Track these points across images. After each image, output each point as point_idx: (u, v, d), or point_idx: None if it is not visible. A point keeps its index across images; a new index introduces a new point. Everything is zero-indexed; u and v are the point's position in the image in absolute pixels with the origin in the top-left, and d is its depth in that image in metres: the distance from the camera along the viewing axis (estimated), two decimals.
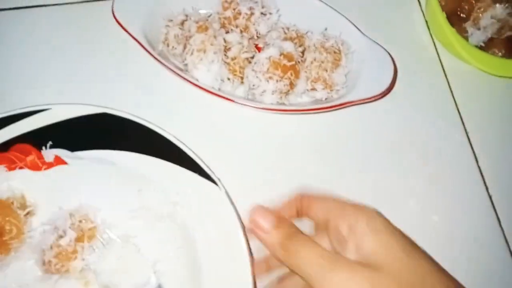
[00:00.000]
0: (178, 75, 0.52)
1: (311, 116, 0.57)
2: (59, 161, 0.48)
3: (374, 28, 0.60)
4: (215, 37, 0.52)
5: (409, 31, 0.66)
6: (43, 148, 0.48)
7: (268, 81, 0.52)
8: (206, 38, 0.52)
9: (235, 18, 0.56)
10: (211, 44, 0.52)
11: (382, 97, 0.55)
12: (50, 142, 0.48)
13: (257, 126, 0.57)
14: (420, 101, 0.61)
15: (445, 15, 0.59)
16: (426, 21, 0.66)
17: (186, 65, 0.53)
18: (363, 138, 0.58)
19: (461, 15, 0.63)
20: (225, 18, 0.57)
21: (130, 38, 0.54)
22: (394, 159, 0.57)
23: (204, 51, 0.52)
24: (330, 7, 0.58)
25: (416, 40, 0.65)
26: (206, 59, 0.52)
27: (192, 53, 0.52)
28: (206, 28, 0.52)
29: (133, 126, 0.49)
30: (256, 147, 0.56)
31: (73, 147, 0.49)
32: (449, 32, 0.58)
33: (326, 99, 0.56)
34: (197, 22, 0.52)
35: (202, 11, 0.58)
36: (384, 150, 0.58)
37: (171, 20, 0.55)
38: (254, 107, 0.53)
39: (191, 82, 0.52)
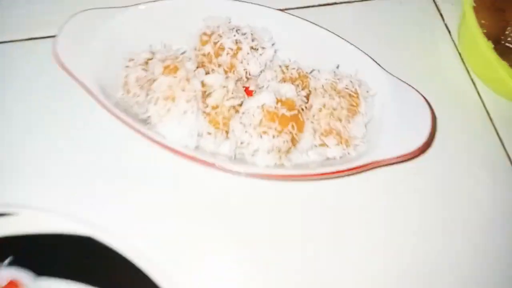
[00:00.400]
0: (138, 131, 0.38)
1: (322, 183, 0.42)
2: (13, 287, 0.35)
3: (394, 66, 0.46)
4: (188, 80, 0.39)
5: (438, 68, 0.52)
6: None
7: (261, 136, 0.38)
8: (175, 82, 0.38)
9: (217, 55, 0.43)
10: (182, 90, 0.38)
11: (418, 154, 0.40)
12: (11, 257, 0.36)
13: (248, 198, 0.42)
14: (464, 157, 0.46)
15: (492, 46, 0.45)
16: (460, 53, 0.53)
17: (149, 117, 0.39)
18: (392, 209, 0.43)
19: (507, 44, 0.50)
20: (204, 55, 0.43)
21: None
22: (436, 233, 0.43)
23: (173, 99, 0.38)
24: (341, 38, 0.45)
25: (449, 78, 0.52)
26: (175, 110, 0.38)
27: (156, 102, 0.38)
28: (175, 69, 0.39)
29: (123, 260, 0.36)
30: (246, 226, 0.41)
31: (39, 269, 0.36)
32: (500, 67, 0.44)
33: (341, 158, 0.41)
34: (163, 61, 0.39)
35: (176, 47, 0.45)
36: (420, 223, 0.43)
37: (132, 59, 0.42)
38: (241, 172, 0.38)
39: (153, 141, 0.38)
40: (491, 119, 0.49)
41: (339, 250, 0.41)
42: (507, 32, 0.50)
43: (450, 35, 0.55)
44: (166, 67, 0.39)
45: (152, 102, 0.38)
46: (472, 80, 0.52)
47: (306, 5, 0.54)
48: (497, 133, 0.48)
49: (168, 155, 0.40)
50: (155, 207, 0.41)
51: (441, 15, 0.56)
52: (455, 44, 0.54)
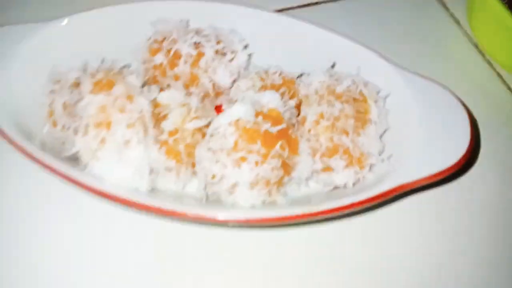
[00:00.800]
0: (65, 176, 0.27)
1: (332, 226, 0.30)
2: None
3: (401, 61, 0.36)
4: (129, 98, 0.28)
5: (454, 63, 0.42)
6: None
7: (239, 165, 0.27)
8: (110, 101, 0.27)
9: (173, 65, 0.32)
10: (121, 111, 0.27)
11: (457, 172, 0.29)
12: None
13: (229, 257, 0.30)
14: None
15: None
16: (476, 45, 0.44)
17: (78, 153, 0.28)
18: (426, 252, 0.31)
19: None
20: (155, 67, 0.33)
21: None
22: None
23: (108, 126, 0.27)
24: (333, 32, 0.35)
25: (469, 73, 0.42)
26: (112, 140, 0.27)
27: (86, 132, 0.27)
28: (110, 84, 0.28)
29: None
30: None
31: None
32: None
33: (354, 185, 0.30)
34: (93, 76, 0.28)
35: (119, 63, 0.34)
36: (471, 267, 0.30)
37: (59, 81, 0.31)
38: (215, 220, 0.26)
39: (84, 187, 0.26)
40: None
41: None
42: None
43: (460, 25, 0.46)
44: (97, 83, 0.28)
45: (81, 132, 0.27)
46: (497, 72, 0.42)
47: (288, 6, 0.44)
48: None
49: (109, 206, 0.28)
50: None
51: (444, 5, 0.47)
52: (467, 35, 0.45)
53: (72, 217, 0.31)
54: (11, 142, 0.29)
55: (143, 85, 0.30)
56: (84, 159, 0.27)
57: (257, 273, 0.29)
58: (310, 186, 0.31)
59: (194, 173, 0.30)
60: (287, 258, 0.30)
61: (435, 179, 0.28)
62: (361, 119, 0.30)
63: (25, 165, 0.30)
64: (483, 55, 0.43)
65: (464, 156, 0.29)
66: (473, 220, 0.32)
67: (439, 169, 0.28)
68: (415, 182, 0.28)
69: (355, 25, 0.42)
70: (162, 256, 0.30)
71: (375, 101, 0.31)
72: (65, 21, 0.34)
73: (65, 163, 0.28)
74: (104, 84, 0.27)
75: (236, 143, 0.27)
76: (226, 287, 0.29)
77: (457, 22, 0.46)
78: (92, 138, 0.27)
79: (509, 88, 0.40)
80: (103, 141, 0.27)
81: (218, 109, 0.34)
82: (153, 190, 0.29)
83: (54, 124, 0.31)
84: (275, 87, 0.32)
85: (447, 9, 0.47)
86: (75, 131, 0.27)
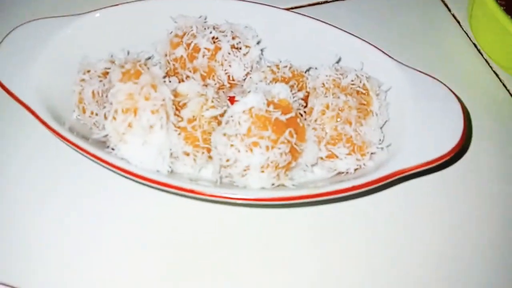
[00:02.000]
0: (94, 156, 0.30)
1: (334, 206, 0.33)
2: None
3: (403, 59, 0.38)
4: (154, 87, 0.31)
5: (454, 62, 0.45)
6: None
7: (251, 150, 0.30)
8: (137, 89, 0.30)
9: (192, 58, 0.35)
10: (146, 99, 0.30)
11: (450, 159, 0.31)
12: None
13: (240, 235, 0.33)
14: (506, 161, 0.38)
15: None
16: (475, 44, 0.46)
17: (106, 136, 0.31)
18: (422, 232, 0.34)
19: None
20: (176, 60, 0.36)
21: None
22: (481, 253, 0.33)
23: (135, 111, 0.30)
24: (339, 29, 0.37)
25: (468, 71, 0.44)
26: (138, 125, 0.30)
27: (114, 117, 0.30)
28: (137, 74, 0.31)
29: None
30: (241, 272, 0.31)
31: None
32: None
33: (356, 171, 0.32)
34: (122, 66, 0.31)
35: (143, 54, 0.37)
36: (462, 245, 0.33)
37: (88, 71, 0.34)
38: (231, 198, 0.29)
39: (114, 166, 0.29)
40: None
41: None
42: None
43: (460, 25, 0.48)
44: (125, 73, 0.31)
45: (110, 117, 0.30)
46: (494, 71, 0.44)
47: (298, 5, 0.47)
48: None
49: (135, 185, 0.31)
50: (119, 255, 0.32)
51: (446, 5, 0.49)
52: (467, 35, 0.47)
53: (95, 194, 0.34)
54: (45, 124, 0.32)
55: (164, 76, 0.34)
56: (112, 141, 0.31)
57: (263, 249, 0.32)
58: (315, 173, 0.34)
59: (210, 158, 0.33)
60: (293, 236, 0.33)
61: (429, 166, 0.31)
62: (364, 110, 0.33)
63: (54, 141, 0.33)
64: (481, 54, 0.46)
65: (457, 145, 0.31)
66: (463, 202, 0.35)
67: (433, 157, 0.31)
68: (410, 169, 0.31)
69: (360, 23, 0.44)
70: (176, 232, 0.33)
71: (377, 94, 0.34)
72: (97, 14, 0.37)
73: (94, 145, 0.31)
74: (132, 74, 0.30)
75: (249, 129, 0.30)
76: (237, 259, 0.32)
77: (458, 22, 0.48)
78: (120, 122, 0.30)
79: (504, 85, 0.43)
80: (130, 125, 0.30)
81: (232, 100, 0.37)
82: (171, 173, 0.32)
83: (83, 110, 0.34)
84: (285, 80, 0.35)
85: (448, 9, 0.49)
86: (105, 116, 0.30)
